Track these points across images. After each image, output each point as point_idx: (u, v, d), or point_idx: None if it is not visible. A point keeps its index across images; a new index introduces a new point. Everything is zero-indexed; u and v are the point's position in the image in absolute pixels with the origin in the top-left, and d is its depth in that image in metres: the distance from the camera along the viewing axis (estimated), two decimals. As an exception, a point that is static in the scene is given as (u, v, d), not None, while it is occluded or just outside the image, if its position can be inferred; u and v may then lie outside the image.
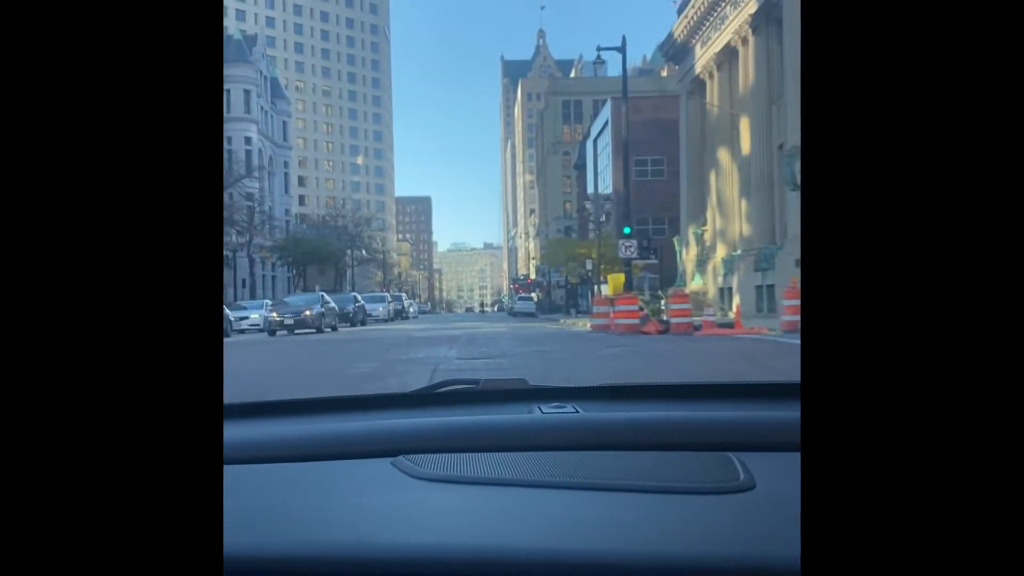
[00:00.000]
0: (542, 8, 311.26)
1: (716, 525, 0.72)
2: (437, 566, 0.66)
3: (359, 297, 32.33)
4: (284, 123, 64.66)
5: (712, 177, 29.39)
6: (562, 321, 30.90)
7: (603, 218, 27.87)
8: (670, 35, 33.00)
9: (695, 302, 19.53)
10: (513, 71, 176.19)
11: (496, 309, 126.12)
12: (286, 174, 64.38)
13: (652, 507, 0.77)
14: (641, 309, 16.15)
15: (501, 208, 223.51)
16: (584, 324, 24.79)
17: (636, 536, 0.70)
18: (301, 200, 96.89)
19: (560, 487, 0.82)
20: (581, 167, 68.23)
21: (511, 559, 0.66)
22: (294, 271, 50.60)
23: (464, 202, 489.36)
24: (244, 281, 45.25)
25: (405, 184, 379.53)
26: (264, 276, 55.95)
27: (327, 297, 26.18)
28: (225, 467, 0.86)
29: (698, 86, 31.24)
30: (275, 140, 61.58)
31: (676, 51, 33.31)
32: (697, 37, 30.66)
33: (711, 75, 29.80)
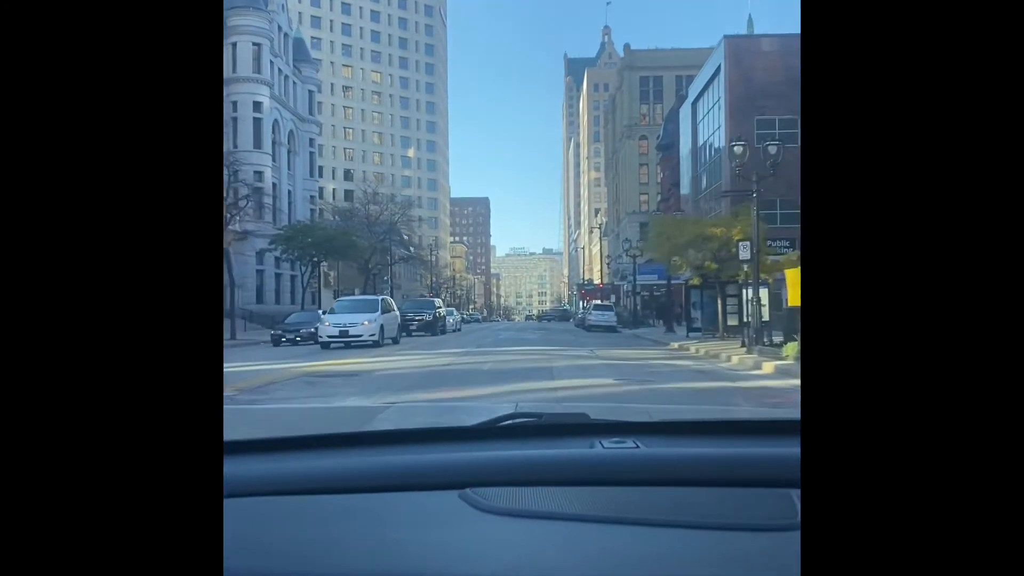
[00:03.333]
0: (608, 3, 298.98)
1: (772, 562, 0.73)
2: None
3: None
4: (310, 93, 53.95)
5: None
6: (680, 346, 18.55)
7: (771, 172, 15.42)
8: None
9: None
10: (577, 69, 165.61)
11: (557, 318, 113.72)
12: (311, 154, 53.64)
13: (710, 544, 0.78)
14: None
15: (562, 211, 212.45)
16: (741, 359, 12.43)
17: (694, 573, 0.72)
18: (347, 196, 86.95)
19: (621, 522, 0.83)
20: (668, 147, 55.61)
21: None
22: (305, 269, 39.19)
23: (523, 206, 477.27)
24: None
25: (462, 186, 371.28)
26: (280, 276, 45.07)
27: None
28: (291, 498, 0.97)
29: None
30: (297, 112, 50.91)
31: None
32: None
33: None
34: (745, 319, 17.22)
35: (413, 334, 27.05)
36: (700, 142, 42.15)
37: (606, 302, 43.26)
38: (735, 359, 14.04)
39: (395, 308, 23.27)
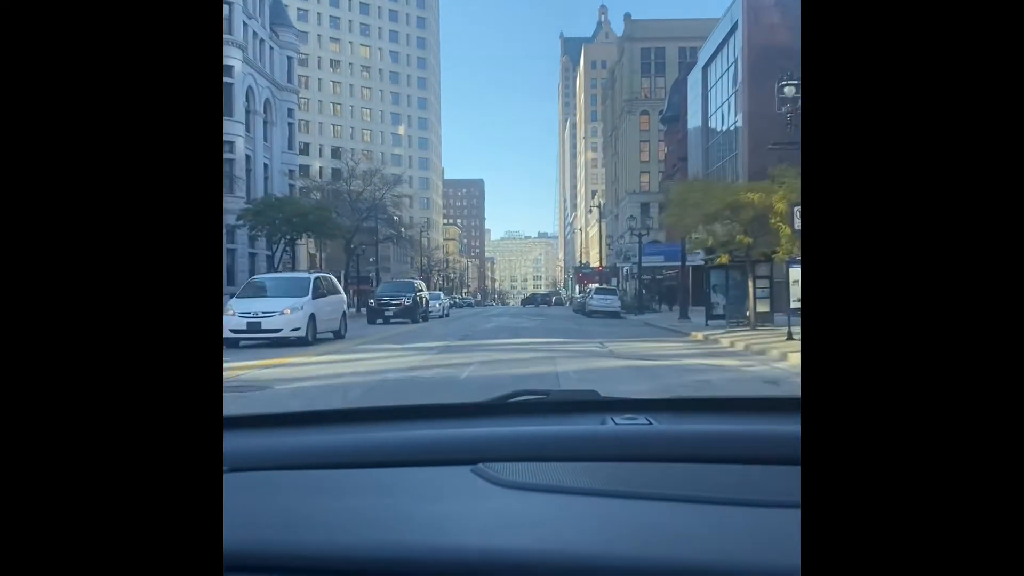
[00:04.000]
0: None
1: (782, 538, 0.72)
2: (522, 570, 0.69)
3: None
4: (289, 59, 50.05)
5: None
6: (707, 337, 15.16)
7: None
8: None
9: None
10: (573, 49, 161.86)
11: (553, 302, 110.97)
12: (290, 125, 49.84)
13: (722, 518, 0.78)
14: None
15: (557, 195, 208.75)
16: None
17: (706, 547, 0.72)
18: (335, 174, 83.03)
19: (634, 497, 0.84)
20: (673, 119, 52.09)
21: (593, 565, 0.68)
22: (276, 247, 35.61)
23: (518, 189, 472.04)
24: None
25: (456, 169, 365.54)
26: (255, 256, 41.50)
27: None
28: (303, 472, 0.99)
29: None
30: (275, 80, 47.09)
31: None
32: None
33: None
34: (791, 304, 13.85)
35: (391, 321, 23.44)
36: (711, 110, 38.63)
37: (608, 286, 39.87)
38: (794, 357, 10.66)
39: (339, 290, 17.02)
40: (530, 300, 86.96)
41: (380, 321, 23.21)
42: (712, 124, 38.26)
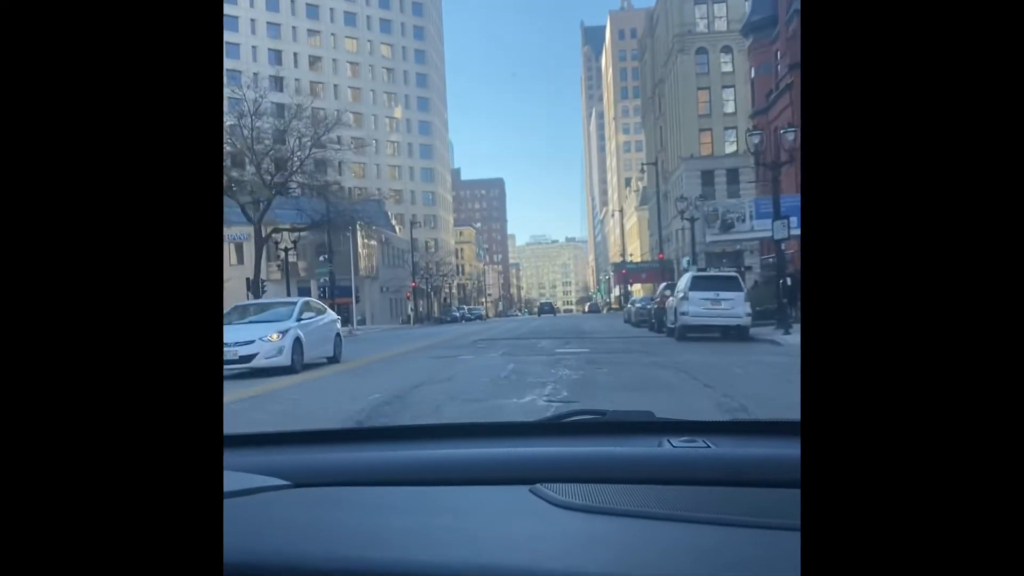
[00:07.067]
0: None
1: None
2: None
3: None
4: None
5: None
6: None
7: None
8: None
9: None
10: (595, 38, 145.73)
11: (587, 309, 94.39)
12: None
13: (785, 545, 0.76)
14: None
15: (584, 194, 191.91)
16: None
17: (768, 572, 0.71)
18: (318, 166, 66.73)
19: (694, 521, 0.83)
20: (763, 26, 34.28)
21: None
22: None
23: (543, 193, 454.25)
24: None
25: (473, 171, 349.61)
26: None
27: None
28: (364, 489, 1.02)
29: None
30: None
31: None
32: None
33: None
34: None
35: None
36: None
37: (726, 270, 21.70)
38: None
39: None
40: (545, 309, 71.53)
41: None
42: None
